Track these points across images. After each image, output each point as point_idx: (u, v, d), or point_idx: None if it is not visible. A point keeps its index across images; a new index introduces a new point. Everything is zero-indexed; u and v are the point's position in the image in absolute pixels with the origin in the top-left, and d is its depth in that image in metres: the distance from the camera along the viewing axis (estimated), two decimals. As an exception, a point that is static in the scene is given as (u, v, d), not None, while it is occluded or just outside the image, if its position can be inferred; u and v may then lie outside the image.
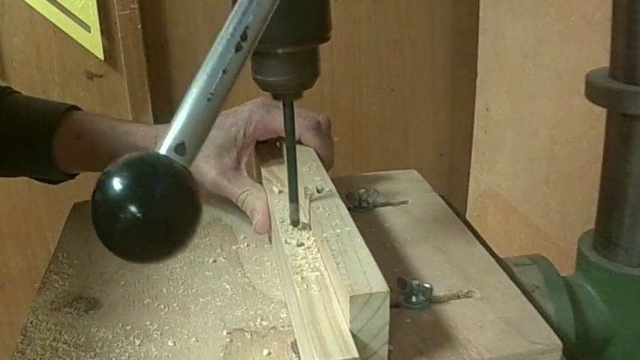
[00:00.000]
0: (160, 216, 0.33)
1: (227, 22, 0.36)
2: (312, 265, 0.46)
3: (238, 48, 0.35)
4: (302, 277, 0.44)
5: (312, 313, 0.41)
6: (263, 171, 0.62)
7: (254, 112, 0.62)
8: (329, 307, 0.41)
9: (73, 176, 0.70)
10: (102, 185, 0.34)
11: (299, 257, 0.47)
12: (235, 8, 0.36)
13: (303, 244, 0.48)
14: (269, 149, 0.66)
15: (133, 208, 0.32)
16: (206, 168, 0.61)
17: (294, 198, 0.50)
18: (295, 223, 0.51)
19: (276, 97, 0.47)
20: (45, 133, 0.64)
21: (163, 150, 0.35)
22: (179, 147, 0.35)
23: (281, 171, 0.61)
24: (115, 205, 0.33)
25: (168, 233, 0.34)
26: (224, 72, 0.35)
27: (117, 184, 0.33)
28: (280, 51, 0.44)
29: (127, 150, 0.64)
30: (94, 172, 0.74)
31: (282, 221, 0.52)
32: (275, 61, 0.44)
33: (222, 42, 0.36)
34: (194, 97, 0.36)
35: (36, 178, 0.71)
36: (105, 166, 0.79)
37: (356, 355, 0.37)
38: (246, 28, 0.35)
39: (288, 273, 0.46)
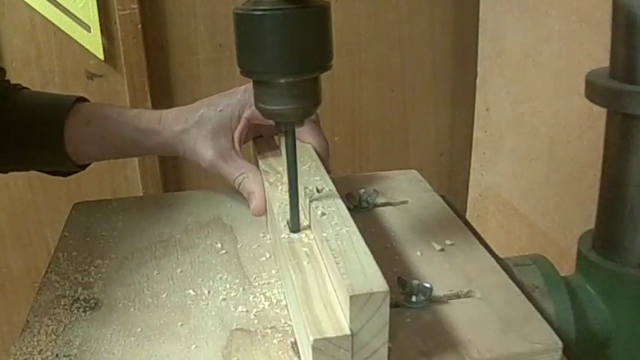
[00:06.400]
0: None
1: None
2: (307, 250, 0.47)
3: None
4: (297, 261, 0.46)
5: (306, 293, 0.42)
6: (260, 163, 0.63)
7: (251, 93, 0.63)
8: (323, 288, 0.43)
9: (83, 167, 0.70)
10: None
11: (294, 241, 0.48)
12: None
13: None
14: (267, 142, 0.67)
15: None
16: (203, 149, 0.62)
17: (295, 225, 0.50)
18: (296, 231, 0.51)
19: (277, 124, 0.48)
20: (55, 122, 0.66)
21: None
22: None
23: (278, 162, 0.63)
24: None
25: None
26: None
27: None
28: (282, 81, 0.44)
29: (134, 133, 0.65)
30: (95, 173, 0.75)
31: (280, 206, 0.53)
32: (277, 91, 0.45)
33: None
34: None
35: (47, 171, 0.72)
36: (114, 151, 0.80)
37: (348, 332, 0.38)
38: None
39: (285, 257, 0.47)
